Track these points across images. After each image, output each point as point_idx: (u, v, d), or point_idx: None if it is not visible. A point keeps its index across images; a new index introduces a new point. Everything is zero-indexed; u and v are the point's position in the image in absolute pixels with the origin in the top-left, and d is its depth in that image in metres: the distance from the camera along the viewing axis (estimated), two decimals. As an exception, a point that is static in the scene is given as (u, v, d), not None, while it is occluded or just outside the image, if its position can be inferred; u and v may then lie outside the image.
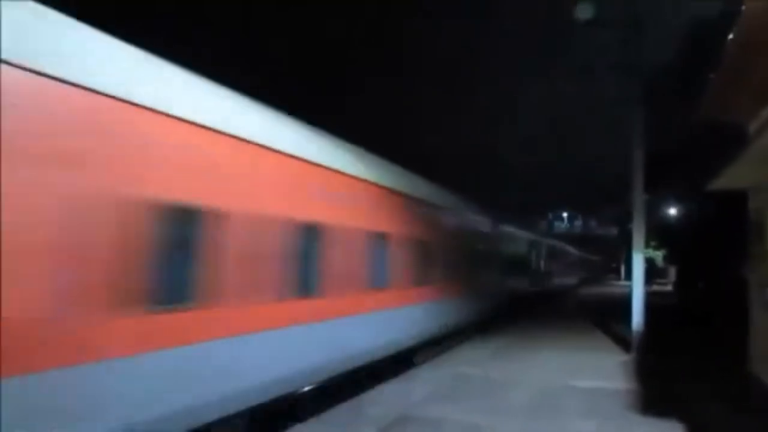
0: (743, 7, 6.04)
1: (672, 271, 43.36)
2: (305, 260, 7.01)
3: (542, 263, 29.58)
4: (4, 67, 3.77)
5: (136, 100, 4.72)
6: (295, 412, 7.20)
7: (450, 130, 34.30)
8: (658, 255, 50.02)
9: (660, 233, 32.98)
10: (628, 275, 15.03)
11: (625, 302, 14.15)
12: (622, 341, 13.94)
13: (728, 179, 9.07)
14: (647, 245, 21.27)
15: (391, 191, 9.94)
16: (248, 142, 6.16)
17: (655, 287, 42.12)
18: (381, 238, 9.28)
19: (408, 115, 31.94)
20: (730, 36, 6.87)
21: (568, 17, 13.62)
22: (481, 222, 16.69)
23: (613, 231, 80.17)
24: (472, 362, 11.34)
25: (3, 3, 3.78)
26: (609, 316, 19.87)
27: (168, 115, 5.07)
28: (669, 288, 41.80)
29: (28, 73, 3.92)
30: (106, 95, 4.46)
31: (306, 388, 7.35)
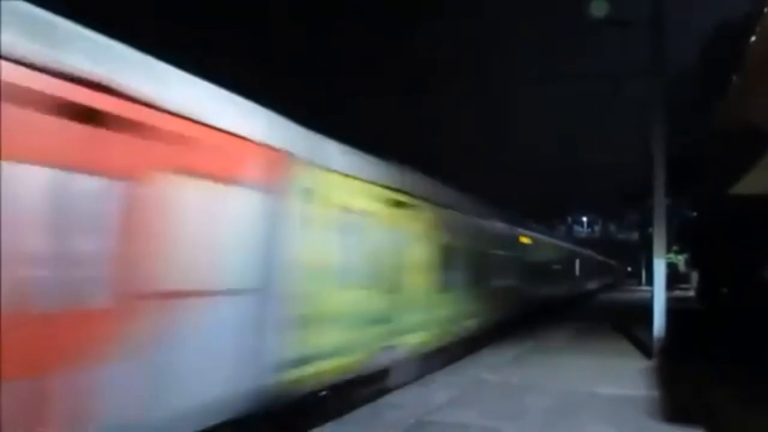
0: (765, 10, 5.98)
1: (694, 276, 42.68)
2: None
3: (564, 269, 29.37)
4: None
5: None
6: (313, 416, 7.23)
7: (472, 134, 34.25)
8: (680, 259, 49.29)
9: (682, 237, 32.52)
10: (649, 280, 14.81)
11: (646, 307, 13.98)
12: (644, 347, 13.76)
13: (751, 183, 8.97)
14: (668, 250, 21.00)
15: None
16: None
17: (677, 292, 41.48)
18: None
19: (429, 119, 31.97)
20: (752, 38, 6.80)
21: (590, 19, 13.55)
22: (512, 235, 17.54)
23: (634, 235, 79.24)
24: (491, 367, 11.28)
25: None
26: (630, 321, 19.63)
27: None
28: (691, 293, 41.16)
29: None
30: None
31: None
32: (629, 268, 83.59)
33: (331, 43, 28.02)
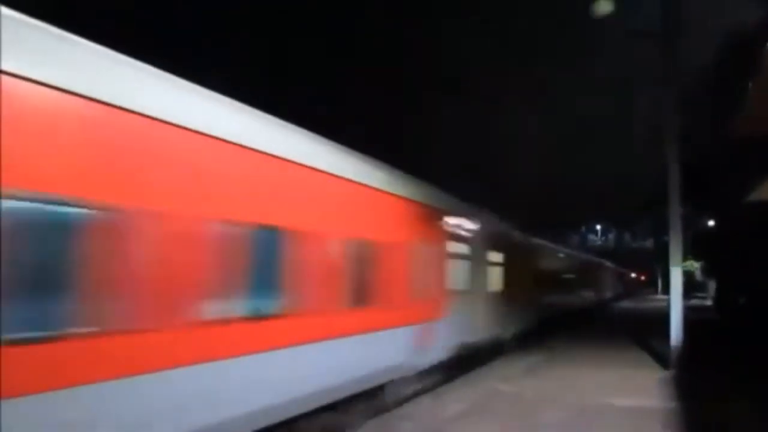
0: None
1: (711, 285, 42.12)
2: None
3: (578, 279, 29.12)
4: None
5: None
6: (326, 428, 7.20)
7: (485, 145, 34.16)
8: (696, 267, 48.71)
9: (698, 245, 32.16)
10: (666, 289, 14.62)
11: (663, 317, 13.80)
12: (661, 357, 13.57)
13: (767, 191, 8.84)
14: (685, 258, 20.76)
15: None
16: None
17: (694, 301, 40.94)
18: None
19: (443, 128, 31.91)
20: (767, 45, 6.73)
21: (605, 26, 13.51)
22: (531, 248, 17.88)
23: (648, 244, 78.44)
24: (506, 378, 11.17)
25: None
26: (646, 331, 19.39)
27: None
28: (708, 302, 40.59)
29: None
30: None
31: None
32: (642, 277, 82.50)
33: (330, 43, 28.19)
